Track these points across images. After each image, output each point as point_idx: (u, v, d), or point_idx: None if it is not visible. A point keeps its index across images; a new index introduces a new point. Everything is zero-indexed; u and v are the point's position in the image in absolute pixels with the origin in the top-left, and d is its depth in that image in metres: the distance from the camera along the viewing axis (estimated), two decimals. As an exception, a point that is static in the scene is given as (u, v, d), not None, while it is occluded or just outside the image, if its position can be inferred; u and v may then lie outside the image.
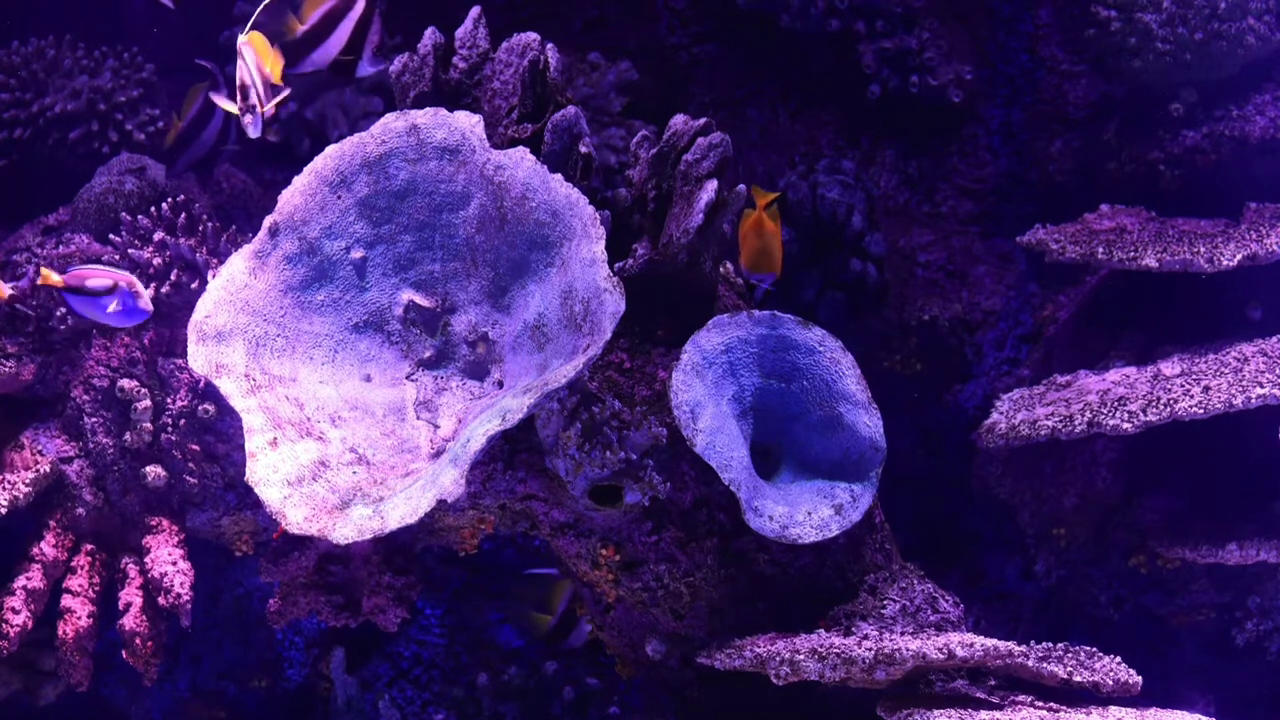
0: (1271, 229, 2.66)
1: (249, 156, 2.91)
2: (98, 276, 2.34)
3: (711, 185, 2.33)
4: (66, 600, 2.53)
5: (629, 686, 2.64)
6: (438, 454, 2.24)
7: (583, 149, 2.35)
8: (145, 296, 2.34)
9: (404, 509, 2.11)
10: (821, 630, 2.33)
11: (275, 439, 2.22)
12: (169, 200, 2.61)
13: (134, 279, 2.35)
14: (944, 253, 3.08)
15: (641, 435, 2.26)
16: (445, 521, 2.44)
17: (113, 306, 2.32)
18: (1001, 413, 2.70)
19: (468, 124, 2.34)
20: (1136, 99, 2.96)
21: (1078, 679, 2.17)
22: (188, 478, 2.54)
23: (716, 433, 2.29)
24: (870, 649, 2.14)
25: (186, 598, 2.48)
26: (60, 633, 2.51)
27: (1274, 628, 2.70)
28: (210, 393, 2.50)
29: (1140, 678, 2.24)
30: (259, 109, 2.22)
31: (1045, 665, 2.19)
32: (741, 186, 2.39)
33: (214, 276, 2.36)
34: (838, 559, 2.42)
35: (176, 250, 2.55)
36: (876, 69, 2.99)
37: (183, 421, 2.53)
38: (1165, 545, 2.67)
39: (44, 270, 2.26)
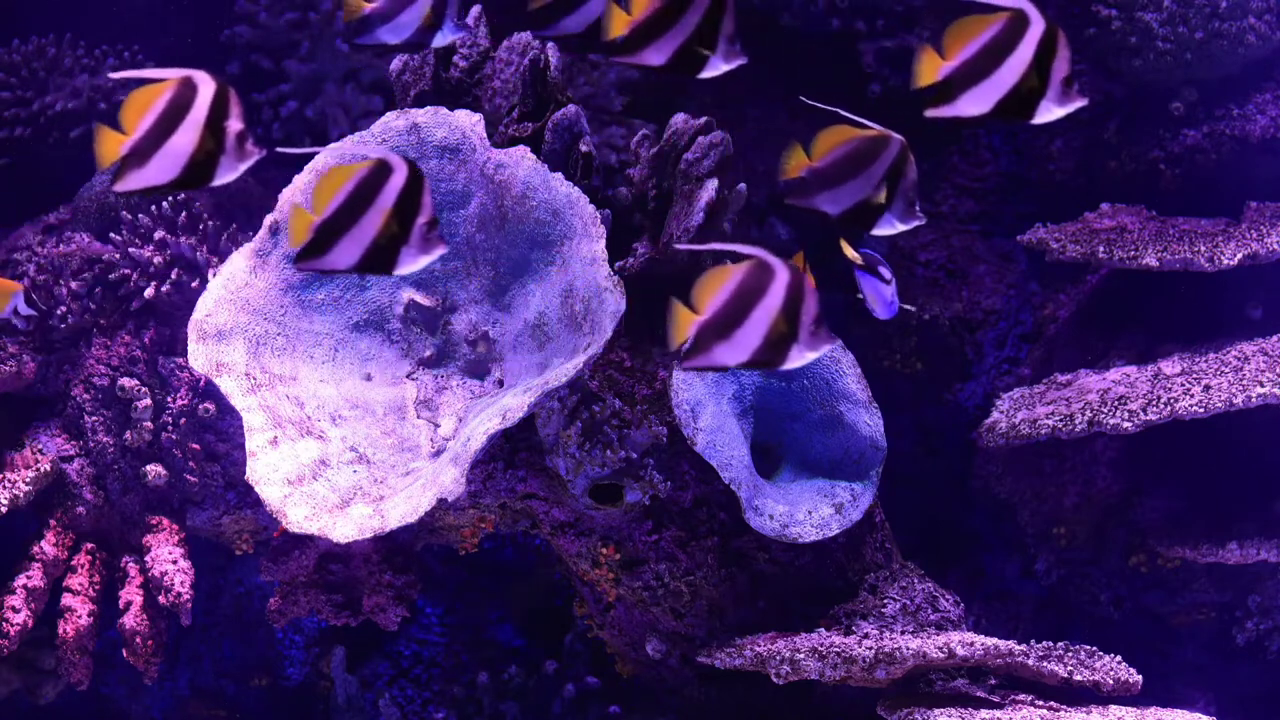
0: (1272, 228, 2.66)
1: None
2: (881, 265, 2.10)
3: (712, 184, 2.32)
4: (67, 599, 2.53)
5: (629, 685, 2.64)
6: (438, 453, 2.24)
7: (583, 148, 2.35)
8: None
9: (404, 508, 2.11)
10: (822, 629, 2.33)
11: (275, 438, 2.22)
12: (169, 199, 2.61)
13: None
14: (944, 252, 3.07)
15: (642, 434, 2.26)
16: (446, 520, 2.44)
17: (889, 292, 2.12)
18: (1002, 412, 2.69)
19: (468, 122, 2.34)
20: (1137, 98, 2.96)
21: (1078, 678, 2.17)
22: (188, 476, 2.54)
23: (717, 431, 2.29)
24: (871, 648, 2.14)
25: (187, 596, 2.48)
26: (60, 631, 2.51)
27: (1274, 627, 2.70)
28: (211, 391, 2.50)
29: (1140, 677, 2.24)
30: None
31: (1045, 664, 2.19)
32: (742, 185, 2.38)
33: (214, 275, 2.36)
34: (838, 558, 2.42)
35: (177, 249, 2.55)
36: (877, 68, 2.99)
37: (183, 420, 2.53)
38: (1165, 544, 2.66)
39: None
